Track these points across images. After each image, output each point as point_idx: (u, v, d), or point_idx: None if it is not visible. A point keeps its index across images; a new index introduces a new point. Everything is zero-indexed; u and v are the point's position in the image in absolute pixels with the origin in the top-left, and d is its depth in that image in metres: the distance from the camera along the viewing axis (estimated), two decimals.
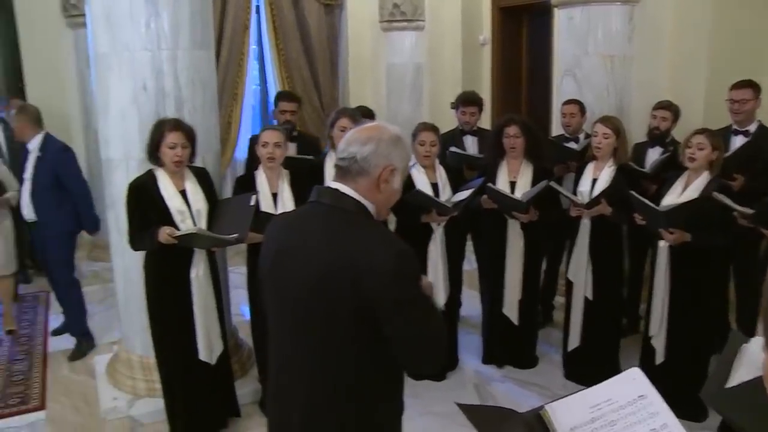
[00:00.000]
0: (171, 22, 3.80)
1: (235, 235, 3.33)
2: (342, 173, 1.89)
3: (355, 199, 1.87)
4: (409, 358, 1.86)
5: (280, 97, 5.30)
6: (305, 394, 1.91)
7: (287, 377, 1.96)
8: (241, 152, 7.44)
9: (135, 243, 3.53)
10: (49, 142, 4.91)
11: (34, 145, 4.88)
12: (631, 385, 1.62)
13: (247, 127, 7.65)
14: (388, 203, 1.96)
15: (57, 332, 5.31)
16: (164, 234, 3.33)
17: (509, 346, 4.62)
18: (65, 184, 4.84)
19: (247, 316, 5.00)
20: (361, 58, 7.66)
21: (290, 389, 1.95)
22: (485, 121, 5.46)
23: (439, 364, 1.89)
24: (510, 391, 4.38)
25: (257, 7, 7.43)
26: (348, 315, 1.78)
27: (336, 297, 1.78)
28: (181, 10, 3.83)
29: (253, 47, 7.51)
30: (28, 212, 4.94)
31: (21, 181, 5.00)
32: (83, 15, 6.37)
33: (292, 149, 4.77)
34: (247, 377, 4.33)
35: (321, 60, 7.44)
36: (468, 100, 5.19)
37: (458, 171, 4.71)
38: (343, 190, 1.88)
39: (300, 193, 3.76)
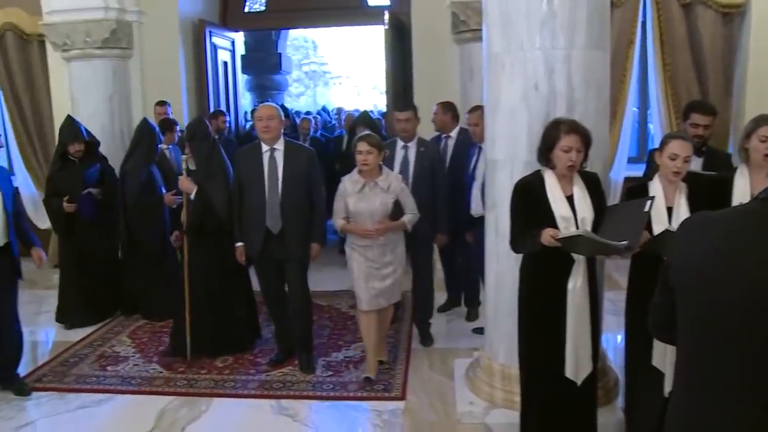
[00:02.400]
0: (567, 20, 3.65)
1: (624, 243, 2.99)
2: None
3: None
4: None
5: (694, 108, 4.67)
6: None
7: (722, 401, 1.65)
8: (617, 173, 7.05)
9: (516, 244, 3.39)
10: (463, 135, 5.60)
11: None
12: None
13: (624, 149, 7.26)
14: None
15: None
16: (547, 235, 3.12)
17: None
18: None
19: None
20: (762, 72, 6.70)
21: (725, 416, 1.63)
22: None
23: None
24: None
25: (643, 22, 7.02)
26: None
27: None
28: (579, 8, 3.65)
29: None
30: (475, 206, 5.23)
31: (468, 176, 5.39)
32: (470, 30, 6.68)
33: (697, 164, 4.29)
34: (611, 407, 3.97)
35: (713, 75, 6.72)
36: None
37: None
38: None
39: (698, 210, 3.28)
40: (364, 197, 4.45)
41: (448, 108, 5.77)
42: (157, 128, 6.08)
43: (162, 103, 7.12)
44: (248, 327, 5.28)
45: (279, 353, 5.00)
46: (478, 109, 5.19)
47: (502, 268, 3.97)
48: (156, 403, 4.37)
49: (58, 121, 6.93)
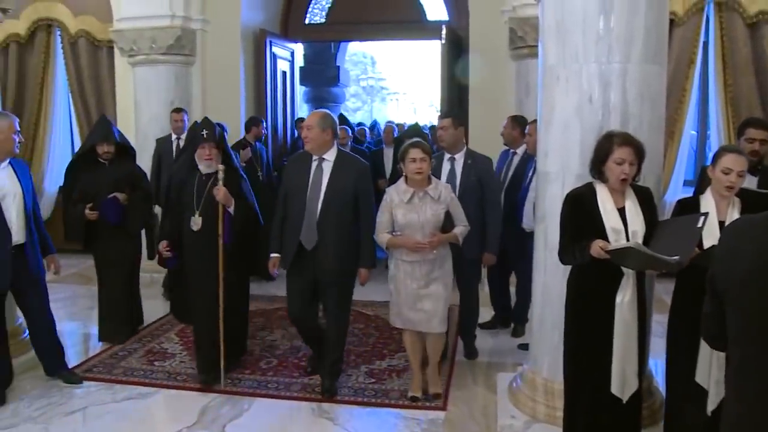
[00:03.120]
0: (623, 34, 3.62)
1: (675, 258, 2.94)
2: None
3: None
4: None
5: (750, 123, 4.52)
6: None
7: None
8: (672, 196, 6.94)
9: (565, 255, 3.37)
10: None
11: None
12: None
13: (681, 171, 7.13)
14: None
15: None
16: (596, 247, 3.10)
17: None
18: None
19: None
20: None
21: None
22: None
23: None
24: None
25: (705, 42, 6.91)
26: None
27: None
28: (636, 22, 3.62)
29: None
30: (527, 221, 5.21)
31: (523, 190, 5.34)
32: (527, 46, 6.65)
33: (751, 183, 4.19)
34: (656, 428, 3.86)
35: None
36: None
37: None
38: None
39: None
40: (414, 208, 4.19)
41: (517, 122, 5.66)
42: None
43: (179, 110, 7.11)
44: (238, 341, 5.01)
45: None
46: (535, 122, 5.15)
47: (549, 280, 3.93)
48: (199, 400, 4.45)
49: (121, 124, 7.17)
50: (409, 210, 4.19)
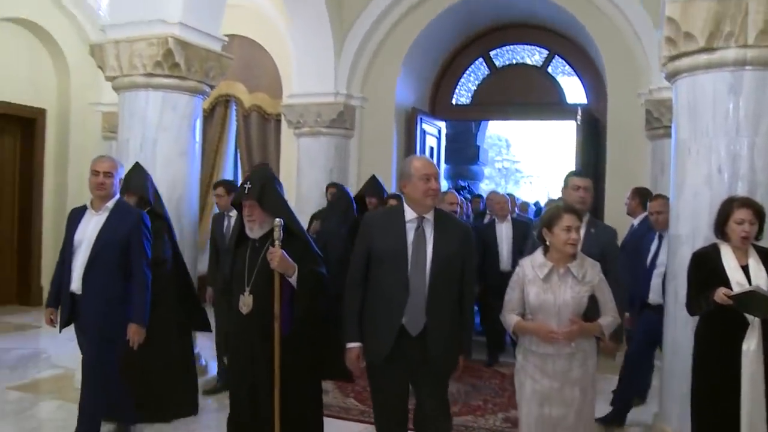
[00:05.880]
0: (752, 110, 4.02)
1: None
2: None
3: None
4: None
5: None
6: None
7: None
8: None
9: (691, 306, 3.71)
10: (644, 223, 5.64)
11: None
12: None
13: None
14: None
15: None
16: (720, 293, 3.41)
17: None
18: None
19: None
20: None
21: None
22: None
23: None
24: None
25: None
26: None
27: None
28: (763, 99, 4.01)
29: None
30: (654, 295, 5.04)
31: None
32: (662, 127, 6.99)
33: None
34: None
35: None
36: None
37: None
38: None
39: None
40: (551, 287, 3.42)
41: (637, 193, 6.02)
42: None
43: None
44: None
45: None
46: (660, 198, 5.27)
47: (677, 334, 4.25)
48: (351, 428, 5.01)
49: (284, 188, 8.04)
50: (545, 289, 3.43)
